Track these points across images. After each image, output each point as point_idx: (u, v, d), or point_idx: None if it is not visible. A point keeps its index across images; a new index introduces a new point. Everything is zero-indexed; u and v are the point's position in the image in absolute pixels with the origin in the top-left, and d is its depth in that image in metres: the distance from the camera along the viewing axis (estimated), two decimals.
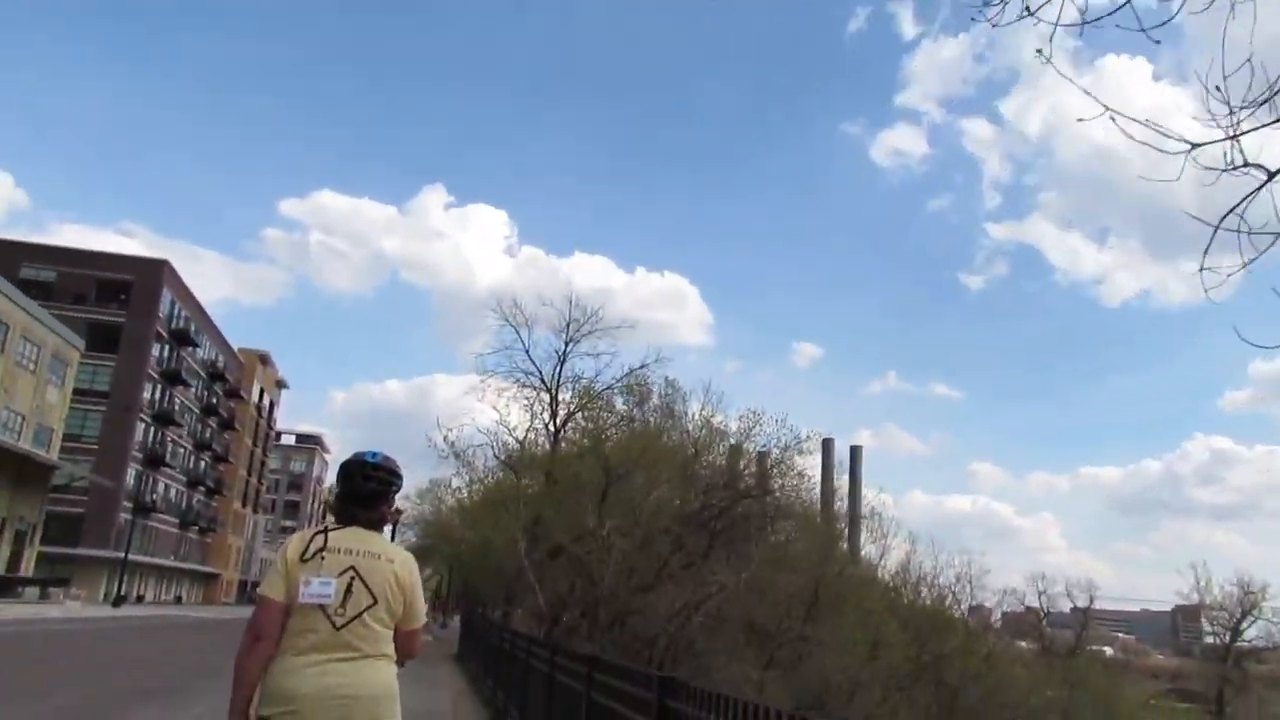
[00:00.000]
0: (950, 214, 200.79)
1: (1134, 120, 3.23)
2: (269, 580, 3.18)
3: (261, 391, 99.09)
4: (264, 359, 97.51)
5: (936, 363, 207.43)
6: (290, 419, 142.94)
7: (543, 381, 28.17)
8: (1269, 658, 70.62)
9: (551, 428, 27.50)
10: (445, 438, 23.84)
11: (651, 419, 26.22)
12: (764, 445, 27.20)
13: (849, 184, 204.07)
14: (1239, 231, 3.29)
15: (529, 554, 21.14)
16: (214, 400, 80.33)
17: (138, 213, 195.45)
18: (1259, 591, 64.56)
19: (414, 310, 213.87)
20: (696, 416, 26.76)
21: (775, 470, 27.17)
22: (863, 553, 37.33)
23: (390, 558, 3.27)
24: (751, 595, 24.39)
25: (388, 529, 3.75)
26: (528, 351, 28.33)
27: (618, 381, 26.07)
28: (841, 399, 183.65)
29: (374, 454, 3.43)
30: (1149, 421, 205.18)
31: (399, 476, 3.46)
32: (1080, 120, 3.46)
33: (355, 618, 3.13)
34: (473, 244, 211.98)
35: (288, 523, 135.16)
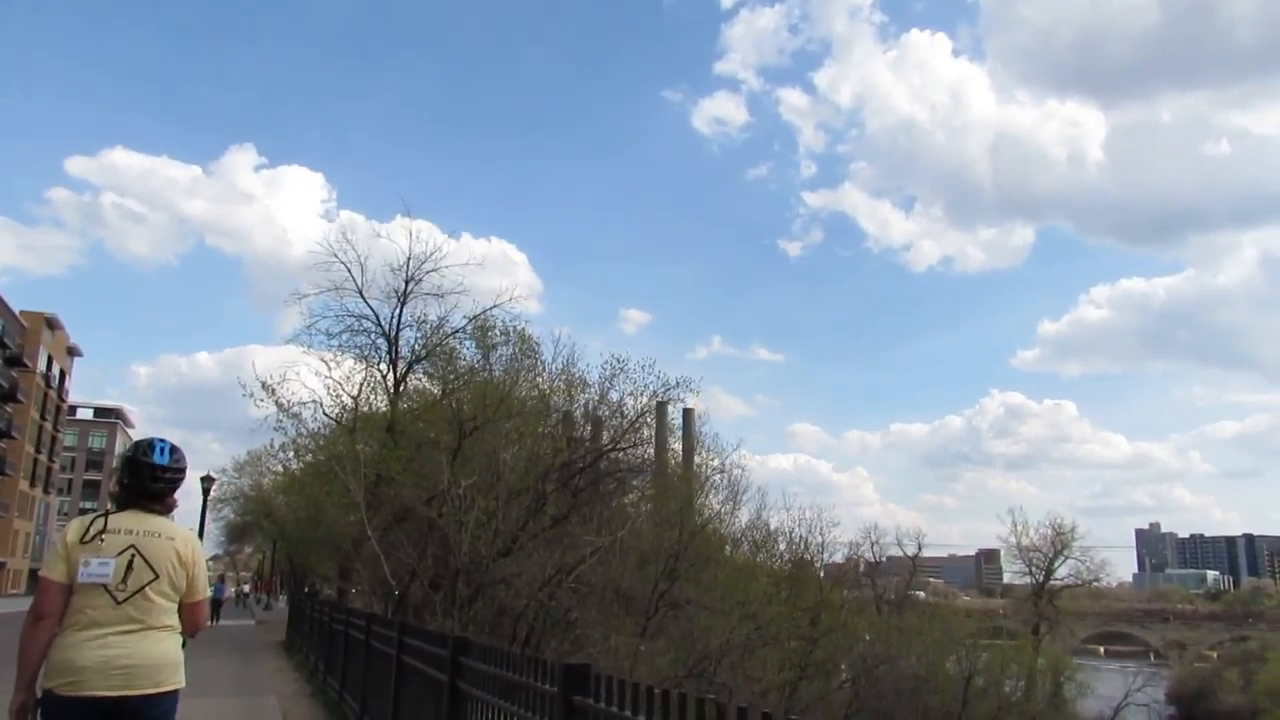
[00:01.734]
0: (769, 182, 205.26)
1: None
2: (49, 563, 3.39)
3: (50, 359, 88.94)
4: (51, 323, 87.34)
5: (759, 327, 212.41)
6: (88, 393, 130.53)
7: (379, 325, 24.68)
8: (1077, 593, 75.35)
9: (391, 379, 24.08)
10: (264, 385, 20.09)
11: (502, 369, 23.23)
12: (628, 393, 24.74)
13: (672, 151, 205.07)
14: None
15: (370, 520, 17.87)
16: None
17: None
18: (1069, 532, 68.61)
19: (224, 278, 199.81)
20: (551, 366, 23.91)
21: (638, 422, 24.72)
22: (713, 512, 35.96)
23: (171, 535, 3.47)
24: (617, 559, 22.05)
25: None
26: (360, 292, 24.70)
27: (468, 322, 22.89)
28: (669, 364, 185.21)
29: (161, 450, 3.52)
30: (951, 380, 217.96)
31: (184, 470, 3.57)
32: None
33: (136, 592, 3.34)
34: (287, 208, 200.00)
35: (87, 504, 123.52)
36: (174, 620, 3.48)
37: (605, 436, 24.90)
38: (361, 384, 23.68)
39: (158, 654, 3.37)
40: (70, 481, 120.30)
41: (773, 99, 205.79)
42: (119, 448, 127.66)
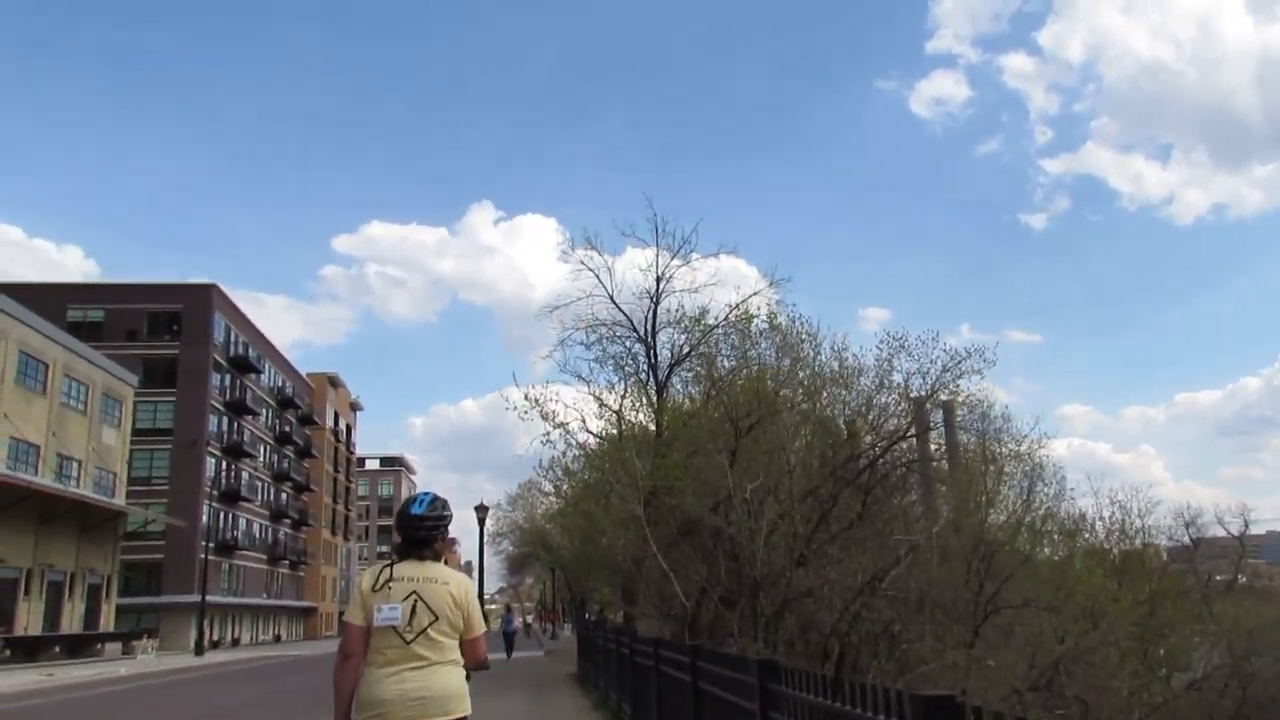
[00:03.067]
0: (1001, 155, 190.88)
1: None
2: (350, 609, 3.85)
3: (336, 415, 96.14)
4: (333, 381, 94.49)
5: (1010, 309, 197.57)
6: (372, 447, 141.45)
7: (633, 330, 23.14)
8: None
9: (653, 384, 22.43)
10: (528, 396, 18.85)
11: (773, 356, 20.87)
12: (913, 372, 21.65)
13: (893, 140, 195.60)
14: None
15: (652, 534, 16.05)
16: (286, 428, 77.17)
17: (197, 266, 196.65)
18: None
19: (478, 328, 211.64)
20: (826, 352, 21.25)
21: (932, 402, 21.54)
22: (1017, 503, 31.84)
23: (445, 580, 3.87)
24: (932, 560, 19.10)
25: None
26: (611, 296, 23.29)
27: (730, 310, 20.78)
28: (915, 360, 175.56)
29: (420, 502, 3.99)
30: (1241, 338, 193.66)
31: (444, 517, 4.00)
32: None
33: (421, 633, 3.75)
34: (525, 255, 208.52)
35: (382, 548, 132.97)
36: (456, 655, 3.86)
37: (891, 424, 22.03)
38: (624, 394, 22.18)
39: (446, 686, 3.78)
40: (366, 529, 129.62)
41: (994, 69, 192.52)
42: (404, 493, 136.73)
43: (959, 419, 23.28)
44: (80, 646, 40.60)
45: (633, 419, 21.67)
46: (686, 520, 17.69)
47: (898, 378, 21.59)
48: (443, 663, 3.80)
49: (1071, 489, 20.82)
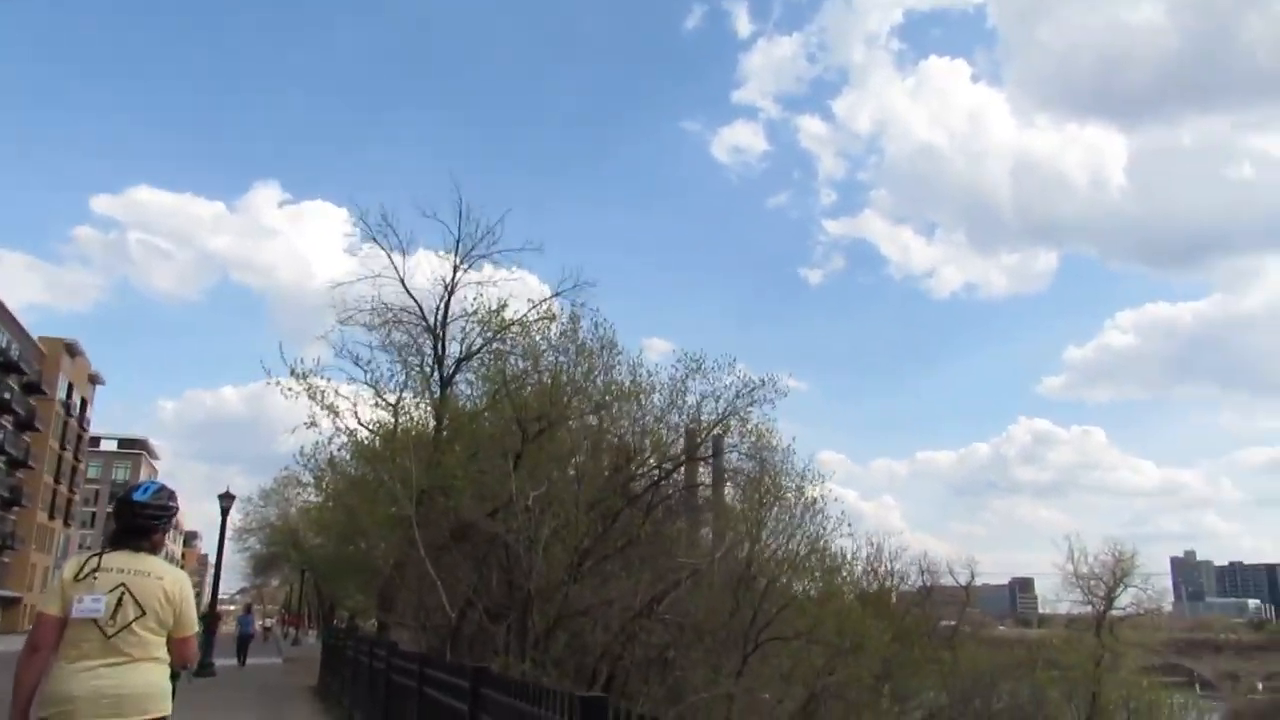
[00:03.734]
0: (790, 209, 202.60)
1: None
2: (46, 598, 3.60)
3: (71, 387, 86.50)
4: (71, 349, 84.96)
5: (783, 354, 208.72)
6: (112, 427, 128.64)
7: (423, 318, 21.54)
8: (1140, 622, 71.55)
9: (438, 378, 20.88)
10: (295, 372, 16.77)
11: (569, 361, 19.88)
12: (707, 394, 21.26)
13: (692, 180, 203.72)
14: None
15: (421, 537, 14.54)
16: (6, 395, 68.44)
17: None
18: (1129, 559, 65.15)
19: (249, 313, 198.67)
20: (622, 365, 20.44)
21: (722, 428, 21.20)
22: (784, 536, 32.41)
23: (160, 575, 3.65)
24: (708, 586, 18.64)
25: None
26: (403, 281, 21.62)
27: (533, 307, 19.62)
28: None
29: (144, 490, 3.83)
30: (977, 407, 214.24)
31: (169, 508, 3.82)
32: None
33: (124, 627, 3.51)
34: (310, 243, 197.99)
35: None
36: (162, 653, 3.66)
37: (679, 446, 21.56)
38: (404, 384, 20.50)
39: (144, 684, 3.57)
40: (94, 515, 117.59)
41: (791, 127, 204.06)
42: (143, 479, 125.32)
43: (745, 447, 23.12)
44: None
45: (412, 414, 20.03)
46: (460, 524, 16.28)
47: (691, 399, 21.25)
48: (144, 660, 3.60)
49: (830, 529, 20.84)
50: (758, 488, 19.48)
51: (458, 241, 21.43)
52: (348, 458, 19.84)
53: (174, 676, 3.81)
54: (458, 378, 21.34)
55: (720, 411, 20.54)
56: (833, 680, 19.58)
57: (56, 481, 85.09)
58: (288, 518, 61.24)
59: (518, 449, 17.49)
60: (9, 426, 70.87)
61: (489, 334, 19.49)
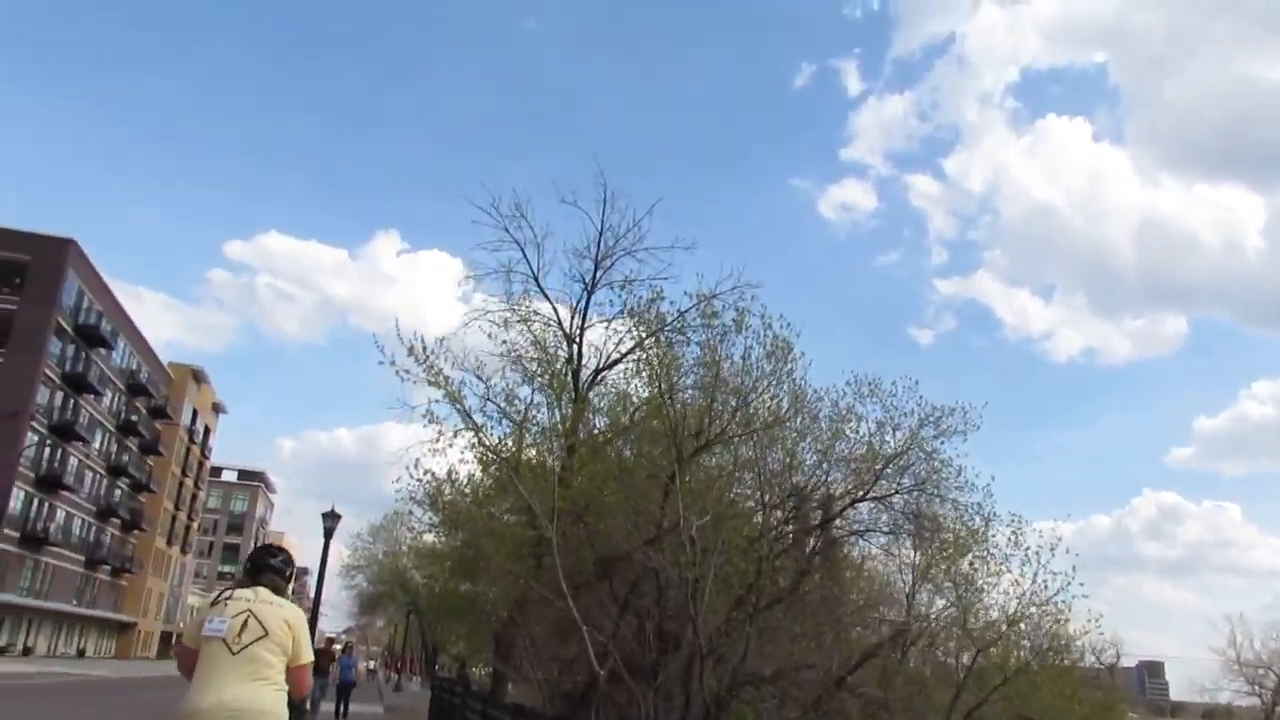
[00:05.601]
0: (899, 268, 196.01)
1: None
2: (186, 630, 4.01)
3: (195, 413, 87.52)
4: (197, 375, 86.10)
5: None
6: (232, 459, 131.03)
7: (558, 324, 18.65)
8: None
9: (572, 389, 17.86)
10: (413, 349, 13.85)
11: (734, 366, 16.52)
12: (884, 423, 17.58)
13: (799, 238, 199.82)
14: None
15: (562, 566, 11.36)
16: (134, 417, 68.95)
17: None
18: None
19: (365, 357, 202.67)
20: (789, 380, 16.87)
21: (903, 461, 17.42)
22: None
23: (280, 605, 4.00)
24: (903, 653, 14.90)
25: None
26: (536, 276, 18.80)
27: (695, 304, 16.30)
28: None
29: (275, 547, 4.37)
30: (1097, 478, 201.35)
31: (292, 562, 4.32)
32: None
33: (248, 646, 3.78)
34: (424, 290, 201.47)
35: (227, 568, 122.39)
36: (281, 679, 3.85)
37: (849, 480, 17.93)
38: (532, 394, 17.54)
39: (264, 703, 3.73)
40: (211, 544, 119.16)
41: (901, 185, 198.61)
42: (260, 512, 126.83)
43: (932, 486, 19.26)
44: None
45: (544, 425, 17.02)
46: (605, 557, 13.03)
47: (864, 428, 17.65)
48: (265, 681, 3.79)
49: (1054, 589, 16.66)
50: (962, 536, 15.65)
51: (599, 234, 18.52)
52: (469, 475, 16.89)
53: (292, 708, 3.97)
54: (597, 389, 18.35)
55: (901, 443, 17.02)
56: None
57: (176, 508, 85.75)
58: (396, 556, 59.52)
59: (670, 470, 14.30)
60: (134, 449, 71.46)
61: (641, 332, 16.33)
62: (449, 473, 14.99)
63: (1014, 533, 15.89)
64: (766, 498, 16.87)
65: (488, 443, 15.15)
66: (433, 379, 13.84)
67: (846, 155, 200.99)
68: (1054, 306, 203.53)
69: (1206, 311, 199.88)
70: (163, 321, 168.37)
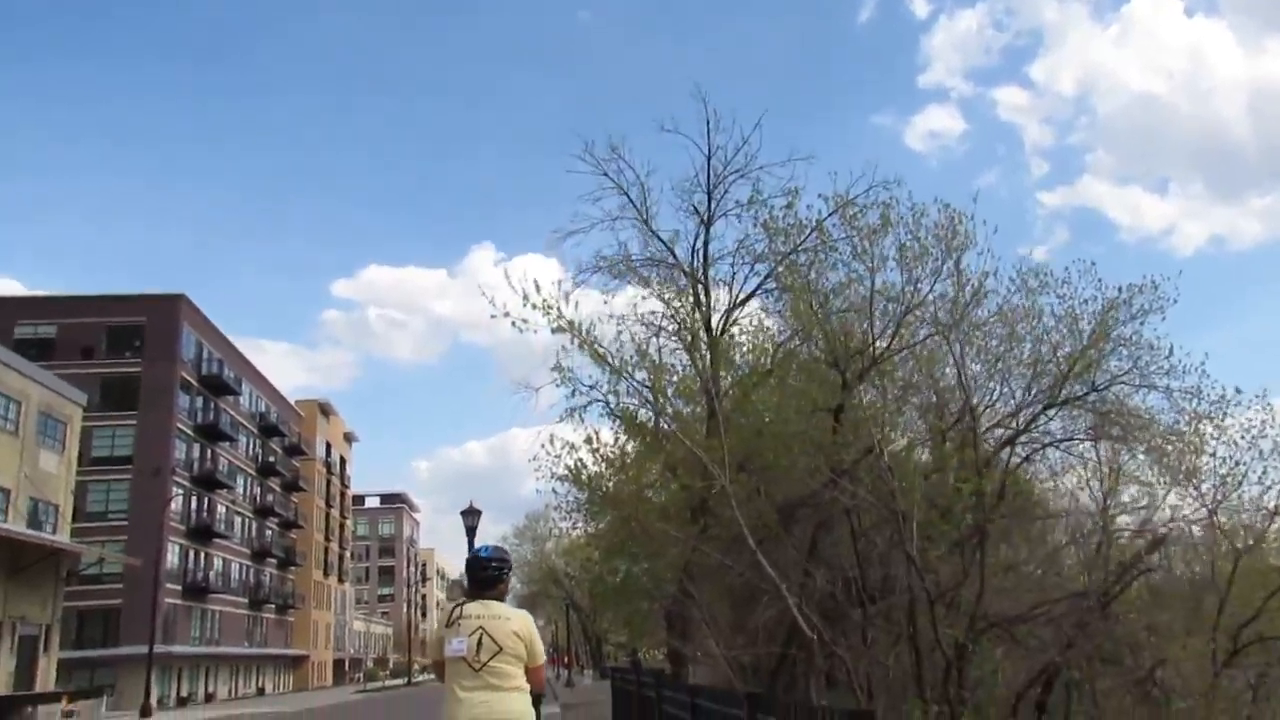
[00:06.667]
0: (999, 189, 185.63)
1: None
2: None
3: (329, 446, 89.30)
4: (325, 409, 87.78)
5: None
6: (374, 488, 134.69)
7: (674, 260, 16.85)
8: None
9: (703, 332, 16.01)
10: (537, 305, 12.16)
11: (894, 269, 14.32)
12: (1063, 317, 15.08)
13: (891, 175, 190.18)
14: None
15: (744, 518, 9.54)
16: (271, 458, 70.46)
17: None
18: None
19: (480, 370, 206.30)
20: (959, 271, 14.52)
21: (1091, 355, 14.92)
22: None
23: (508, 617, 4.38)
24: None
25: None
26: (646, 220, 17.05)
27: (835, 209, 14.12)
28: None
29: (486, 549, 4.70)
30: (1233, 376, 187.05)
31: (506, 560, 4.70)
32: None
33: (487, 662, 4.23)
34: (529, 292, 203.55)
35: (385, 590, 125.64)
36: (522, 682, 4.30)
37: (1035, 385, 15.53)
38: (660, 343, 15.75)
39: (511, 709, 4.23)
40: (366, 570, 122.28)
41: (987, 101, 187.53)
42: (407, 533, 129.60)
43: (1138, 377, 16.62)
44: (4, 711, 33.84)
45: (678, 375, 15.20)
46: (786, 502, 11.16)
47: (1040, 325, 15.19)
48: (507, 688, 4.24)
49: None
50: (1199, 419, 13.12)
51: (707, 158, 16.63)
52: (612, 437, 15.19)
53: (536, 702, 4.46)
54: (732, 331, 16.46)
55: (1090, 331, 14.51)
56: None
57: (327, 539, 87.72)
58: (544, 555, 59.19)
59: (838, 400, 12.31)
60: (277, 488, 73.05)
61: (780, 246, 14.33)
62: (588, 439, 13.31)
63: (1264, 409, 13.27)
64: (951, 415, 14.74)
65: (630, 389, 13.41)
66: (555, 322, 12.19)
67: (925, 81, 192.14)
68: (1170, 199, 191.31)
69: None
70: (286, 368, 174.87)
